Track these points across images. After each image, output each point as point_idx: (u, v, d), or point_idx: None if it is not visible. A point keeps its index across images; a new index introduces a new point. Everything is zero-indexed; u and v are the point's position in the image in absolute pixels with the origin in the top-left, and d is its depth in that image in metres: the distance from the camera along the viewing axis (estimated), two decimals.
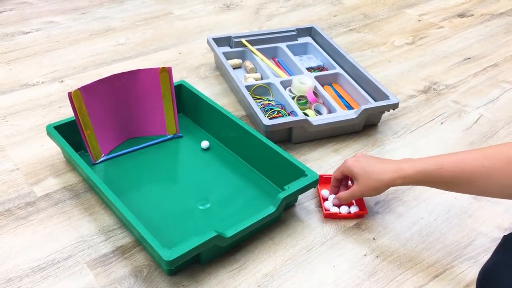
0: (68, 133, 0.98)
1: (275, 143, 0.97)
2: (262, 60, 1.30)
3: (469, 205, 0.97)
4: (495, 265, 0.73)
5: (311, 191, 0.97)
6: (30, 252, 0.85)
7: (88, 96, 0.95)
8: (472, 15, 1.73)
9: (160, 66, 1.03)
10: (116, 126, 1.04)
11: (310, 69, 1.30)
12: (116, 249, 0.86)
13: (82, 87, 0.94)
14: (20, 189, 0.97)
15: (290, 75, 1.27)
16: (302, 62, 1.33)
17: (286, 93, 1.17)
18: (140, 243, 0.86)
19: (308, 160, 1.06)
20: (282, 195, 0.85)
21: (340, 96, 1.22)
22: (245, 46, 1.35)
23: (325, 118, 1.09)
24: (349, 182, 0.96)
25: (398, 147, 1.11)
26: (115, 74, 0.99)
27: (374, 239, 0.89)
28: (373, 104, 1.11)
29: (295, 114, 1.11)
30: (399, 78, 1.36)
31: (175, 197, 0.95)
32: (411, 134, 1.15)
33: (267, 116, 1.11)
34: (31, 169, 1.01)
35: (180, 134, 1.09)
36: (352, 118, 1.09)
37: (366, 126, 1.15)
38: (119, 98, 1.01)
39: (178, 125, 1.08)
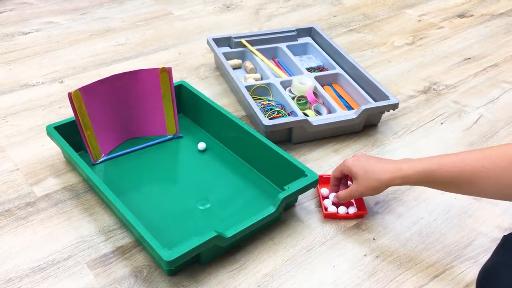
0: (68, 133, 0.98)
1: (275, 143, 0.97)
2: (262, 60, 1.30)
3: (469, 205, 0.97)
4: (495, 265, 0.73)
5: (311, 191, 0.97)
6: (30, 252, 0.85)
7: (88, 96, 0.95)
8: (472, 15, 1.73)
9: (160, 66, 1.03)
10: (116, 126, 1.04)
11: (310, 69, 1.30)
12: (116, 249, 0.86)
13: (82, 87, 0.94)
14: (20, 189, 0.97)
15: (290, 76, 1.27)
16: (302, 62, 1.33)
17: (286, 94, 1.17)
18: (140, 243, 0.86)
19: (308, 160, 1.06)
20: (282, 195, 0.85)
21: (340, 96, 1.22)
22: (245, 46, 1.35)
23: (325, 118, 1.09)
24: (349, 182, 0.96)
25: (398, 147, 1.11)
26: (115, 75, 0.99)
27: (374, 239, 0.89)
28: (373, 104, 1.11)
29: (295, 115, 1.11)
30: (399, 78, 1.36)
31: (175, 197, 0.95)
32: (411, 134, 1.15)
33: (267, 117, 1.11)
34: (31, 169, 1.01)
35: (180, 134, 1.09)
36: (352, 118, 1.09)
37: (366, 126, 1.15)
38: (119, 98, 1.01)
39: (178, 125, 1.08)
